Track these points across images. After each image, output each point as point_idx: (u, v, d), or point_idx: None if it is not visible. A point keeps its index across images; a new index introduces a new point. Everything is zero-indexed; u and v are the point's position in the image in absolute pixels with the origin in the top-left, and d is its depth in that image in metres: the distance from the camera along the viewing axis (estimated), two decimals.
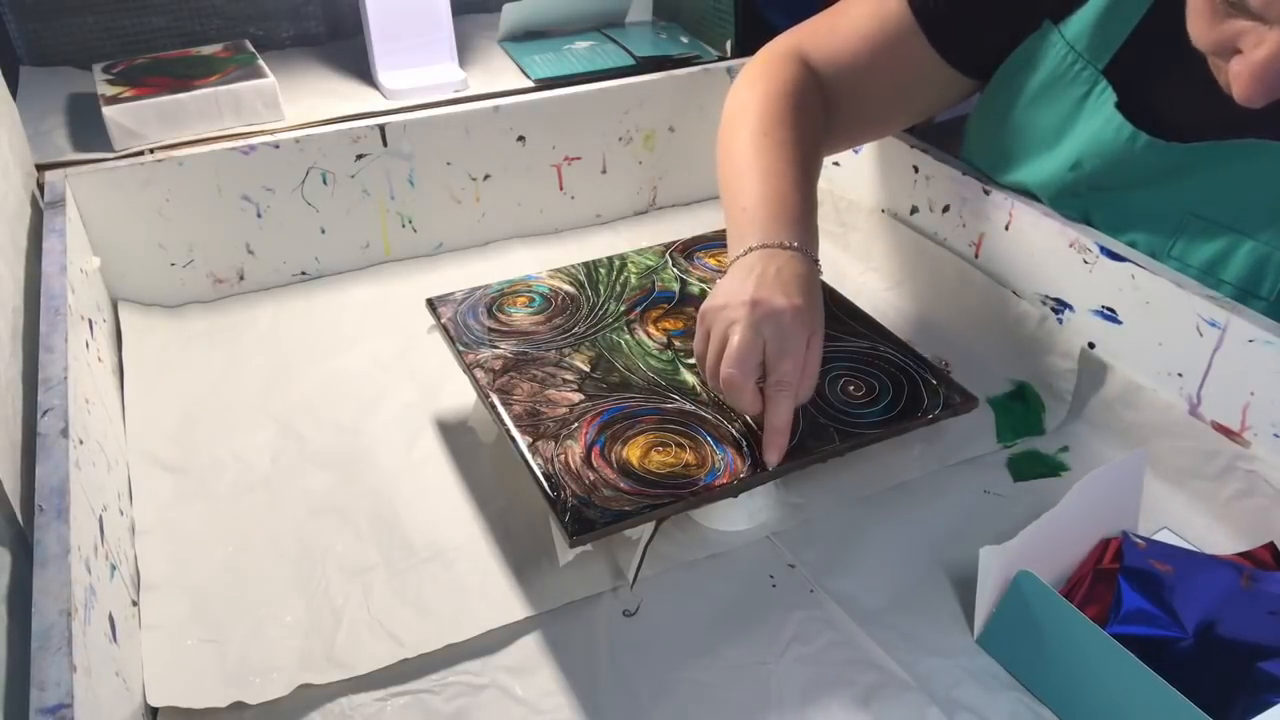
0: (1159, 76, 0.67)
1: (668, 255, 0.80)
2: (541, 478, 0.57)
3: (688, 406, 0.63)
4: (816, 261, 0.66)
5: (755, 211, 0.67)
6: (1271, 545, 0.58)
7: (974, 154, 0.82)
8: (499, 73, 1.04)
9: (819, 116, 0.76)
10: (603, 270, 0.78)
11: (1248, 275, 0.66)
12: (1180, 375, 0.66)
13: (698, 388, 0.65)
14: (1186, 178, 0.67)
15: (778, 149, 0.71)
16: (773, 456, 0.59)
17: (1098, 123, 0.69)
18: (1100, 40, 0.69)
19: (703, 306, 0.64)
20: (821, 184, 0.96)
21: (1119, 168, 0.69)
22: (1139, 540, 0.57)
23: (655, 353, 0.69)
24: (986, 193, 0.78)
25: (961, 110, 1.63)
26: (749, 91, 0.76)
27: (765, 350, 0.60)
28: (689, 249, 0.81)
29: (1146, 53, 0.68)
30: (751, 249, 0.64)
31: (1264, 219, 0.64)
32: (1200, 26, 0.58)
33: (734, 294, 0.61)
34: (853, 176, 0.94)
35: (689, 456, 0.59)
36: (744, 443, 0.61)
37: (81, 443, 0.56)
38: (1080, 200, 0.73)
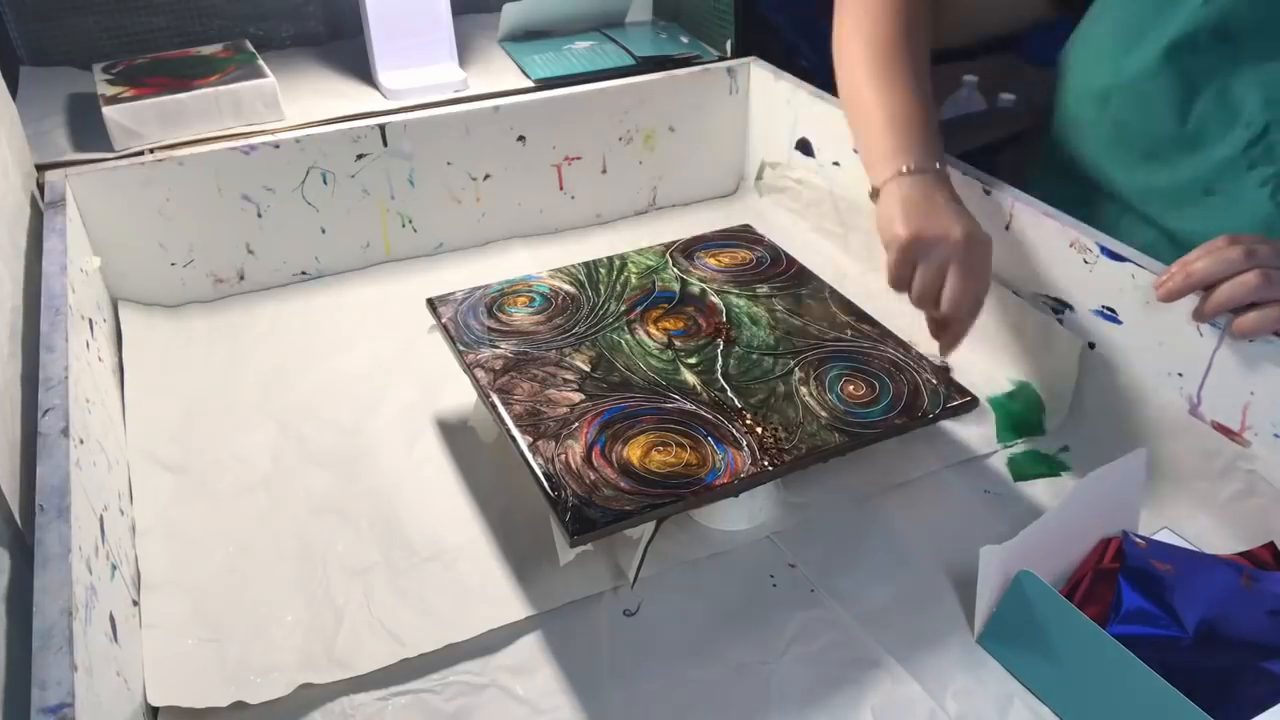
0: None
1: (668, 255, 0.80)
2: (542, 477, 0.57)
3: (688, 406, 0.63)
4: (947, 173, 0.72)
5: (885, 139, 0.72)
6: (1271, 545, 0.59)
7: (1079, 61, 0.81)
8: (499, 73, 1.04)
9: (925, 35, 0.79)
10: (603, 270, 0.78)
11: None
12: (1180, 375, 0.66)
13: (698, 387, 0.65)
14: None
15: (895, 79, 0.75)
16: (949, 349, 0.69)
17: None
18: None
19: (904, 235, 0.66)
20: (822, 184, 0.96)
21: None
22: (1139, 540, 0.57)
23: (656, 352, 0.69)
24: (987, 192, 0.78)
25: (962, 109, 1.62)
26: (855, 28, 0.79)
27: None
28: (689, 249, 0.81)
29: None
30: (903, 172, 0.69)
31: None
32: None
33: (938, 226, 0.66)
34: (853, 176, 0.93)
35: (689, 456, 0.59)
36: (744, 442, 0.61)
37: (82, 442, 0.56)
38: (1197, 59, 0.71)
